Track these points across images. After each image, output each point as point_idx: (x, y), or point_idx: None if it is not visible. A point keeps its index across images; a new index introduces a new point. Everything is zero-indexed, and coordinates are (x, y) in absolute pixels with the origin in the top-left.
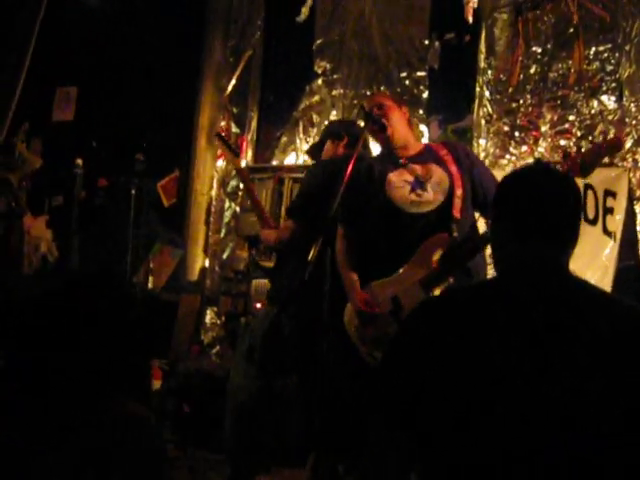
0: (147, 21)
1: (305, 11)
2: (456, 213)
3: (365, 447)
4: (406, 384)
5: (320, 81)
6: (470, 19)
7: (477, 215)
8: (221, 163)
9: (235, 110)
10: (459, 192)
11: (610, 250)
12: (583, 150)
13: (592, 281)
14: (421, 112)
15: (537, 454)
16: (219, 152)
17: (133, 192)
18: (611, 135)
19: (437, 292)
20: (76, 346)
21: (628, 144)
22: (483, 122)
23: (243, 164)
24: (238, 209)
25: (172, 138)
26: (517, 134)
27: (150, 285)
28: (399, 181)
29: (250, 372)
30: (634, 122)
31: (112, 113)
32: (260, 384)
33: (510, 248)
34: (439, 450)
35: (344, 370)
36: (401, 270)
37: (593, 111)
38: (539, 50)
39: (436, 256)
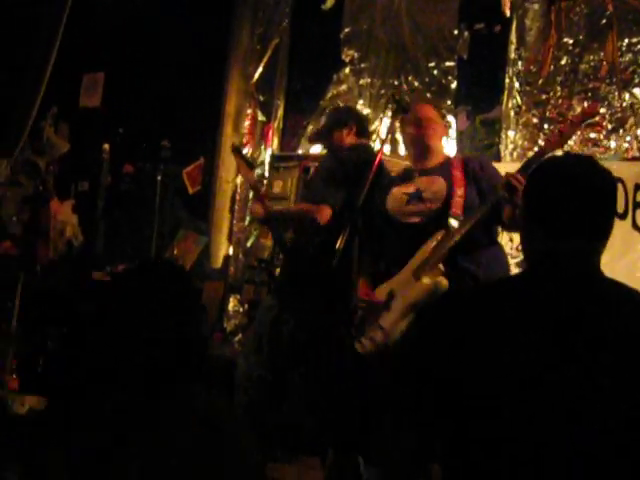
0: (175, 8)
1: (330, 1)
2: (456, 210)
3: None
4: (428, 377)
5: (347, 70)
6: (507, 12)
7: None
8: (246, 151)
9: (262, 98)
10: (460, 192)
11: None
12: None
13: (621, 276)
14: (449, 102)
15: (559, 447)
16: (245, 140)
17: (159, 178)
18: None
19: (425, 280)
20: (152, 331)
21: None
22: (512, 113)
23: (269, 152)
24: None
25: (198, 125)
26: (546, 126)
27: None
28: (399, 194)
29: (258, 361)
30: None
31: (139, 100)
32: (266, 374)
33: (540, 243)
34: (459, 440)
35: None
36: (399, 273)
37: (624, 104)
38: (570, 41)
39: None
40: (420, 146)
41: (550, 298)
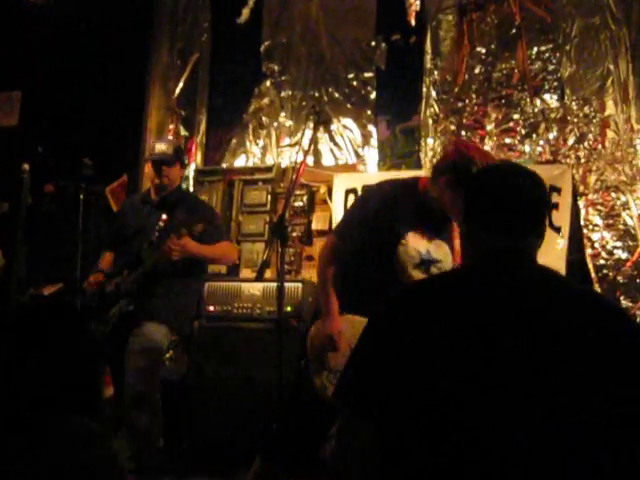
0: (92, 24)
1: (246, 12)
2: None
3: (334, 439)
4: (379, 371)
5: (269, 83)
6: (413, 22)
7: None
8: None
9: (183, 113)
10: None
11: (559, 245)
12: None
13: None
14: (369, 112)
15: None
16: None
17: (81, 197)
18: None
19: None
20: (25, 370)
21: (570, 141)
22: (430, 122)
23: (192, 167)
24: None
25: (120, 142)
26: (464, 133)
27: None
28: (412, 249)
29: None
30: (575, 120)
31: (58, 117)
32: None
33: (482, 243)
34: (410, 437)
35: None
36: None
37: (536, 110)
38: (483, 50)
39: None
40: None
41: (492, 291)
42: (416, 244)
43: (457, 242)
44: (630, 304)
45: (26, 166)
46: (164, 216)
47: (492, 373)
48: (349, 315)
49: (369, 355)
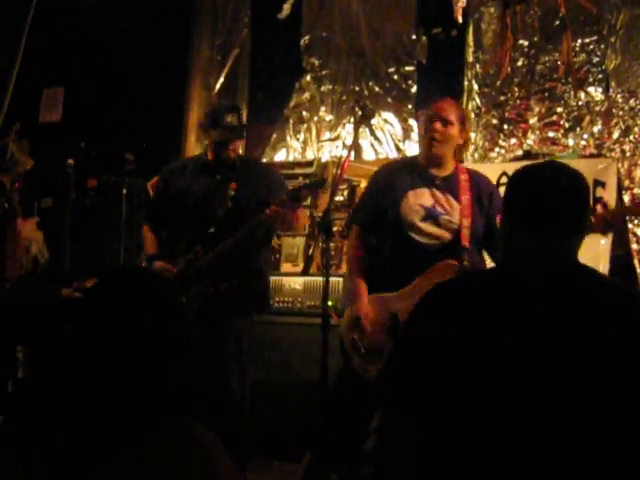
0: (134, 20)
1: (287, 7)
2: (465, 242)
3: (373, 435)
4: (417, 367)
5: (309, 77)
6: (460, 19)
7: None
8: None
9: None
10: (466, 222)
11: (603, 240)
12: (610, 209)
13: None
14: (410, 107)
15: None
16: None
17: (124, 192)
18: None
19: None
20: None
21: (615, 135)
22: (472, 115)
23: None
24: None
25: (161, 137)
26: (506, 127)
27: None
28: (415, 204)
29: None
30: (620, 113)
31: (101, 113)
32: None
33: (518, 239)
34: (448, 428)
35: (345, 377)
36: (406, 288)
37: (580, 103)
38: (526, 43)
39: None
40: (429, 152)
41: (531, 289)
42: (418, 199)
43: (464, 197)
44: None
45: (71, 161)
46: (233, 184)
47: (522, 372)
48: (372, 295)
49: (407, 351)
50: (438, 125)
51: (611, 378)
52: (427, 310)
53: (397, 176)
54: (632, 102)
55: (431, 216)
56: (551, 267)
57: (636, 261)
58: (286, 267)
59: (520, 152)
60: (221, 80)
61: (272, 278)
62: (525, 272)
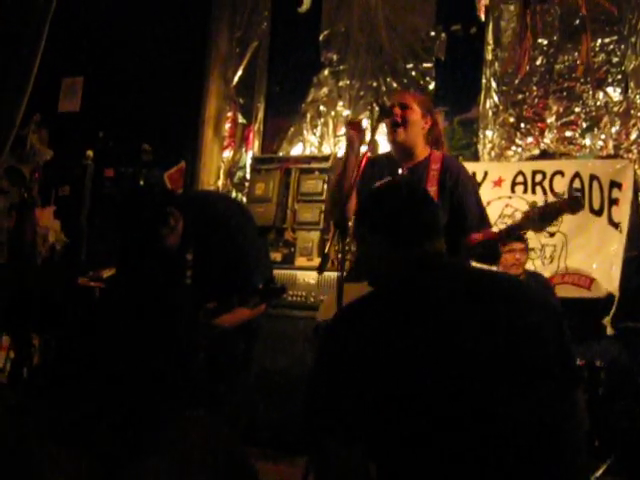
0: (153, 12)
1: (307, 2)
2: None
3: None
4: (342, 394)
5: (327, 72)
6: (482, 16)
7: None
8: (228, 154)
9: (242, 101)
10: None
11: (617, 241)
12: (547, 202)
13: (598, 271)
14: None
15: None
16: (225, 143)
17: (141, 182)
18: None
19: None
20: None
21: (633, 135)
22: (490, 113)
23: (250, 155)
24: (245, 199)
25: (179, 129)
26: (523, 125)
27: None
28: None
29: None
30: (639, 114)
31: (119, 104)
32: None
33: (393, 254)
34: (387, 442)
35: None
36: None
37: (599, 103)
38: (545, 42)
39: None
40: (392, 141)
41: (427, 293)
42: None
43: (431, 189)
44: None
45: (90, 152)
46: None
47: (443, 365)
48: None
49: (328, 379)
50: (397, 110)
51: (520, 360)
52: (334, 339)
53: (371, 170)
54: None
55: None
56: (440, 270)
57: None
58: (300, 261)
59: (537, 151)
60: (239, 73)
61: (286, 272)
62: (423, 280)
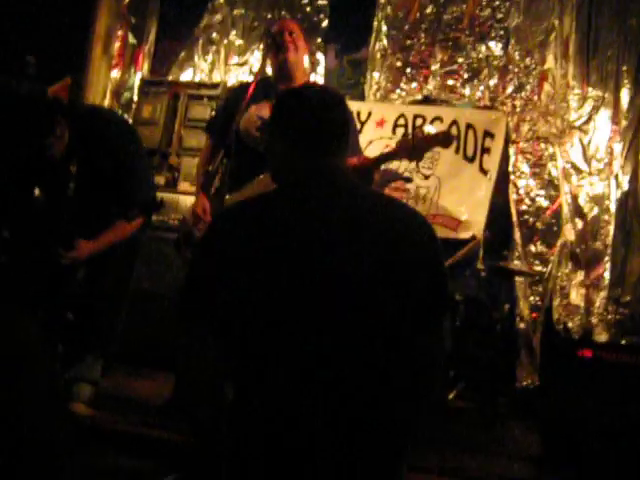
0: None
1: None
2: None
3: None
4: (212, 289)
5: None
6: None
7: None
8: (116, 74)
9: (133, 20)
10: None
11: (485, 187)
12: (418, 136)
13: (467, 214)
14: (319, 40)
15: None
16: (114, 62)
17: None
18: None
19: None
20: None
21: (509, 90)
22: (378, 55)
23: (138, 76)
24: (131, 121)
25: (66, 44)
26: (409, 70)
27: None
28: (253, 115)
29: None
30: (516, 70)
31: (2, 13)
32: None
33: (290, 159)
34: (244, 342)
35: None
36: (247, 186)
37: (481, 55)
38: None
39: None
40: (283, 61)
41: (300, 209)
42: (258, 112)
43: None
44: (545, 249)
45: None
46: None
47: (299, 282)
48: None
49: (198, 273)
50: (286, 35)
51: (392, 286)
52: (213, 234)
53: (246, 91)
54: (528, 60)
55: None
56: (329, 186)
57: (513, 210)
58: (184, 186)
59: (420, 96)
60: None
61: (169, 195)
62: (305, 192)
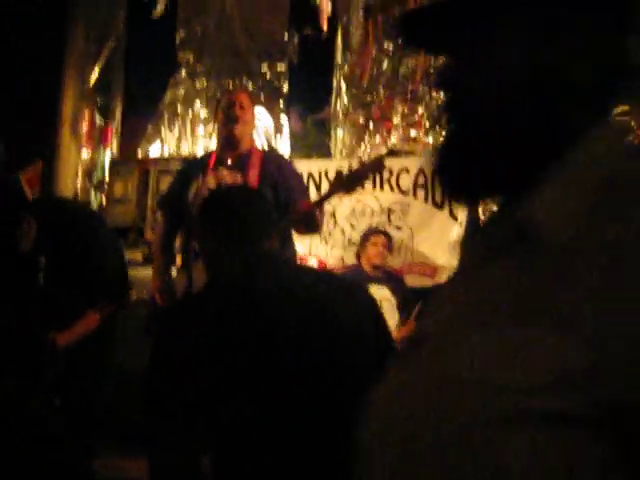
0: (7, 8)
1: (161, 6)
2: None
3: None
4: (174, 388)
5: (184, 73)
6: (325, 27)
7: None
8: (86, 154)
9: (99, 100)
10: None
11: (457, 232)
12: (351, 170)
13: (441, 260)
14: (282, 104)
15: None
16: (83, 142)
17: None
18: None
19: None
20: None
21: None
22: (341, 114)
23: (108, 155)
24: (104, 200)
25: (35, 128)
26: (372, 125)
27: None
28: (203, 188)
29: None
30: None
31: None
32: None
33: (225, 253)
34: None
35: None
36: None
37: (440, 102)
38: (391, 46)
39: None
40: (231, 132)
41: (249, 289)
42: (207, 185)
43: (252, 172)
44: None
45: None
46: None
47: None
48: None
49: (162, 373)
50: (237, 109)
51: (341, 352)
52: (166, 330)
53: (195, 167)
54: None
55: None
56: (269, 273)
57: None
58: None
59: (384, 150)
60: (96, 73)
61: (147, 271)
62: (245, 281)
